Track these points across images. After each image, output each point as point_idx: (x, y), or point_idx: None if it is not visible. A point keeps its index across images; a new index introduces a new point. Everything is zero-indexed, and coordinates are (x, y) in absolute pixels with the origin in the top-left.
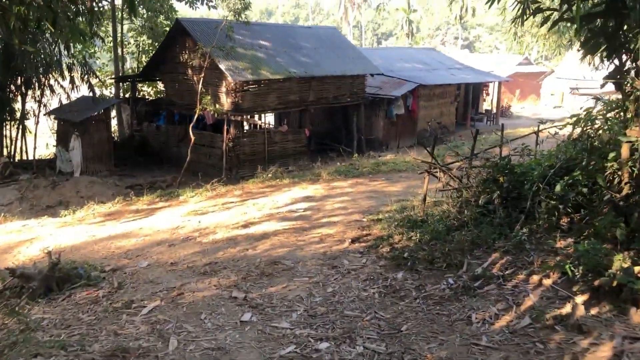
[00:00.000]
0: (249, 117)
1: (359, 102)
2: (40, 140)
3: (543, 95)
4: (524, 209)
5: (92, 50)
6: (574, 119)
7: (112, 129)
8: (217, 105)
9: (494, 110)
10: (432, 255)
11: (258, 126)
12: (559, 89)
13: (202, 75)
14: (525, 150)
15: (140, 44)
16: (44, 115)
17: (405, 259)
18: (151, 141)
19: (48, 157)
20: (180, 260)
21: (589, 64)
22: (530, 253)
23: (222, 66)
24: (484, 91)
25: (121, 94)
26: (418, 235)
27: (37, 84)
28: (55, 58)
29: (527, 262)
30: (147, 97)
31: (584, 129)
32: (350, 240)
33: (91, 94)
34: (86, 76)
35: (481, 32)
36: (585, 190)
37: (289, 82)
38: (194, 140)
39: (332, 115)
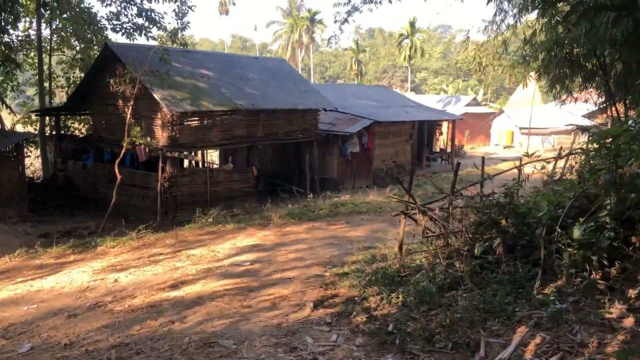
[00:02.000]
0: (188, 153)
1: (311, 138)
2: None
3: (493, 136)
4: (537, 260)
5: (15, 83)
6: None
7: (36, 168)
8: (150, 140)
9: (449, 150)
10: (429, 328)
11: (199, 164)
12: (508, 129)
13: (131, 103)
14: (516, 186)
15: (71, 77)
16: None
17: (391, 334)
18: (77, 182)
19: None
20: (79, 340)
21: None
22: (573, 327)
23: (156, 95)
24: (437, 131)
25: (48, 131)
26: (401, 296)
27: None
28: None
29: (574, 343)
30: (77, 133)
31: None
32: (312, 304)
33: None
34: None
35: (426, 75)
36: (612, 234)
37: (234, 115)
38: (120, 179)
39: (283, 153)
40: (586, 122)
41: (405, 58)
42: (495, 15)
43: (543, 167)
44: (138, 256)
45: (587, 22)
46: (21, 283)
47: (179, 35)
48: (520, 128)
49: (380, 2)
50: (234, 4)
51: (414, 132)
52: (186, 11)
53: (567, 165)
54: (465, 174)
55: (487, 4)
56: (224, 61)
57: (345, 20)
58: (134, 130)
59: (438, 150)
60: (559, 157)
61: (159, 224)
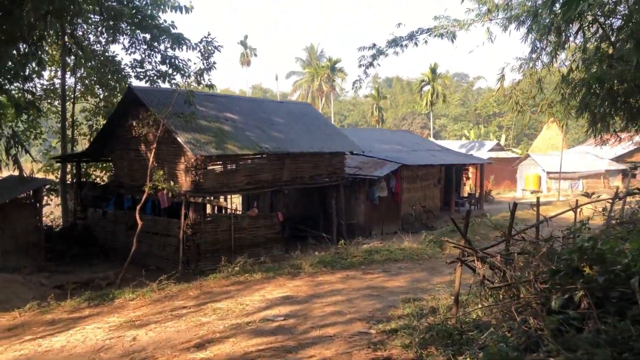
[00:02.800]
0: (212, 198)
1: (338, 182)
2: None
3: (519, 181)
4: (636, 317)
5: (38, 131)
6: None
7: (56, 216)
8: (173, 184)
9: (477, 194)
10: None
11: (223, 210)
12: (534, 174)
13: (154, 146)
14: (582, 228)
15: (94, 125)
16: None
17: None
18: (96, 230)
19: None
20: None
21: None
22: None
23: (180, 139)
24: (464, 175)
25: (69, 179)
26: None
27: None
28: None
29: None
30: (98, 181)
31: None
32: None
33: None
34: (13, 150)
35: (446, 121)
36: None
37: (259, 159)
38: (141, 226)
39: (308, 198)
40: (616, 166)
41: (426, 104)
42: (531, 52)
43: (604, 209)
44: (159, 310)
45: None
46: (29, 342)
47: (205, 77)
48: (548, 173)
49: (406, 46)
50: (255, 55)
51: (441, 176)
52: (212, 51)
53: (625, 207)
54: (501, 219)
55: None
56: (249, 105)
57: (371, 64)
58: (157, 174)
59: (466, 195)
60: (616, 197)
61: (181, 273)
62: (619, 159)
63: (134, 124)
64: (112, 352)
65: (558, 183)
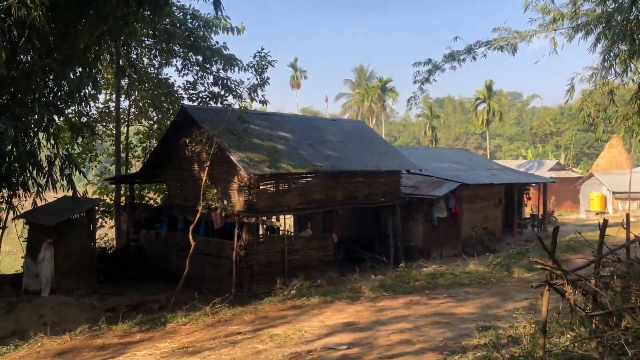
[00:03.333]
0: (265, 219)
1: (394, 202)
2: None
3: (582, 201)
4: None
5: (93, 154)
6: None
7: (110, 238)
8: (227, 202)
9: (539, 215)
10: None
11: (276, 231)
12: (598, 194)
13: (207, 164)
14: None
15: (148, 147)
16: (13, 219)
17: None
18: (149, 252)
19: (15, 272)
20: None
21: None
22: None
23: (233, 157)
24: (524, 195)
25: (122, 201)
26: None
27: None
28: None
29: None
30: (151, 203)
31: None
32: None
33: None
34: (67, 170)
35: (501, 141)
36: None
37: (313, 178)
38: (194, 246)
39: (362, 219)
40: None
41: (482, 122)
42: (602, 61)
43: None
44: (213, 335)
45: None
46: None
47: (258, 92)
48: (614, 193)
49: (463, 60)
50: (305, 77)
51: (502, 197)
52: (265, 67)
53: None
54: (569, 241)
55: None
56: (302, 124)
57: (427, 80)
58: (210, 193)
59: (528, 216)
60: None
61: (234, 296)
62: None
63: (187, 141)
64: None
65: (628, 203)
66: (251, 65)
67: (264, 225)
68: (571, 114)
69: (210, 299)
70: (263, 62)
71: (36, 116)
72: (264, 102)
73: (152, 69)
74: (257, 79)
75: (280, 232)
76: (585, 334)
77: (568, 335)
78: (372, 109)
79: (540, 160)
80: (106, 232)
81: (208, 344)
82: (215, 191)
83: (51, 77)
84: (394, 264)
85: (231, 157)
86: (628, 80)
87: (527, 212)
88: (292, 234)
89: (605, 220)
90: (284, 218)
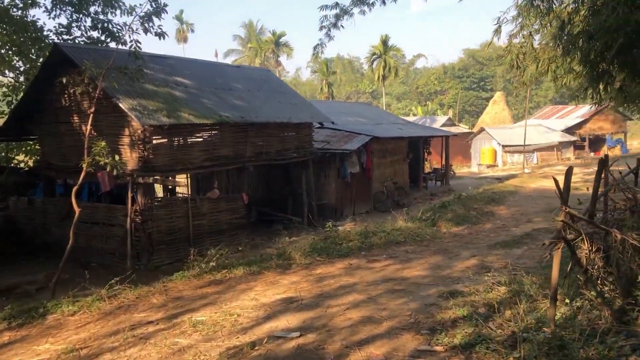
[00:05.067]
0: (165, 178)
1: (307, 158)
2: None
3: (474, 155)
4: None
5: None
6: None
7: None
8: (118, 159)
9: (442, 169)
10: None
11: (176, 192)
12: (489, 148)
13: (92, 110)
14: None
15: (13, 102)
16: None
17: None
18: (22, 223)
19: None
20: None
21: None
22: None
23: (123, 105)
24: (425, 150)
25: None
26: None
27: None
28: None
29: None
30: (23, 166)
31: None
32: None
33: None
34: None
35: (389, 100)
36: None
37: (219, 130)
38: (79, 214)
39: (273, 177)
40: (568, 138)
41: (379, 78)
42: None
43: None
44: (114, 329)
45: None
46: None
47: (154, 23)
48: (504, 146)
49: (372, 4)
50: (192, 31)
51: (409, 151)
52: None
53: None
54: (488, 192)
55: None
56: (203, 69)
57: (334, 25)
58: (97, 146)
59: (431, 170)
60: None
61: (131, 270)
62: (569, 130)
63: (64, 80)
64: None
65: (521, 156)
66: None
67: (163, 186)
68: (454, 73)
69: (103, 277)
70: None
71: None
72: (160, 35)
73: (15, 9)
74: (151, 5)
75: (182, 194)
76: (598, 300)
77: (577, 304)
78: (265, 65)
79: (432, 116)
80: None
81: (108, 342)
82: (103, 143)
83: None
84: (308, 224)
85: (120, 105)
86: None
87: (427, 166)
88: (196, 195)
89: (571, 167)
90: (187, 177)
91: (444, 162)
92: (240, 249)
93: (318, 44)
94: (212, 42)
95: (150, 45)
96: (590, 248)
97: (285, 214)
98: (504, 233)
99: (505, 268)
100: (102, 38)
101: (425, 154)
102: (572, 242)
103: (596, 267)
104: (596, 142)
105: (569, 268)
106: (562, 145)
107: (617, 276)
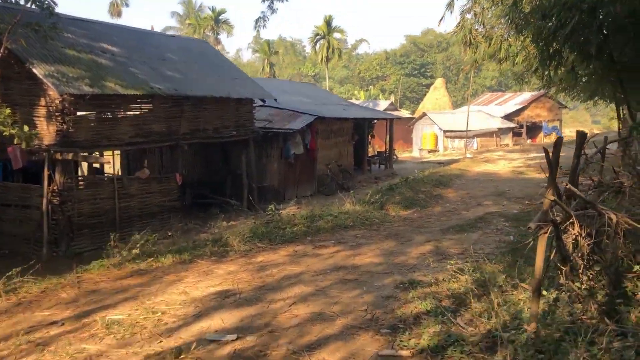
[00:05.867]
0: (88, 155)
1: (247, 136)
2: None
3: (416, 140)
4: None
5: None
6: None
7: None
8: (29, 129)
9: (386, 153)
10: None
11: (102, 172)
12: (431, 133)
13: None
14: None
15: None
16: None
17: None
18: None
19: None
20: None
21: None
22: None
23: (38, 71)
24: (369, 133)
25: None
26: None
27: None
28: None
29: None
30: None
31: None
32: None
33: None
34: None
35: (332, 84)
36: None
37: (151, 104)
38: None
39: (211, 156)
40: (507, 124)
41: (322, 59)
42: None
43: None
44: (6, 332)
45: None
46: None
47: None
48: (445, 131)
49: None
50: (126, 5)
51: (354, 132)
52: None
53: None
54: (435, 175)
55: None
56: (134, 37)
57: None
58: (2, 114)
59: (375, 153)
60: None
61: (47, 259)
62: (507, 117)
63: None
64: None
65: (462, 141)
66: None
67: (89, 165)
68: (396, 59)
69: (13, 266)
70: None
71: None
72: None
73: None
74: None
75: (111, 174)
76: (583, 293)
77: (552, 295)
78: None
79: (375, 100)
80: None
81: None
82: (8, 111)
83: None
84: (248, 207)
85: (34, 71)
86: None
87: (370, 150)
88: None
89: (560, 138)
90: (113, 155)
91: (387, 146)
92: (170, 234)
93: (260, 17)
94: (148, 18)
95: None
96: (579, 232)
97: (223, 197)
98: (455, 217)
99: (462, 254)
100: None
101: (369, 137)
102: (560, 225)
103: (580, 254)
104: (533, 129)
105: (551, 256)
106: (501, 132)
107: (605, 265)
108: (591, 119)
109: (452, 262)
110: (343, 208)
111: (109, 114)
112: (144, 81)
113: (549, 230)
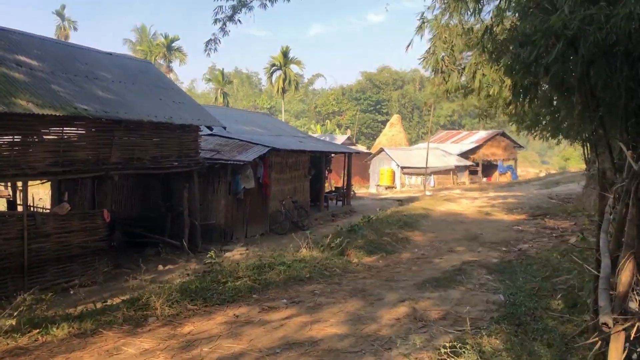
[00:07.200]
0: None
1: (191, 168)
2: None
3: (373, 176)
4: None
5: None
6: None
7: None
8: None
9: (344, 189)
10: None
11: (14, 206)
12: (388, 169)
13: None
14: None
15: None
16: None
17: None
18: None
19: None
20: None
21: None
22: None
23: None
24: (326, 168)
25: None
26: None
27: None
28: None
29: None
30: None
31: None
32: None
33: None
34: None
35: (287, 117)
36: None
37: (75, 127)
38: None
39: (148, 190)
40: (463, 162)
41: (278, 90)
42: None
43: None
44: None
45: None
46: None
47: None
48: (402, 168)
49: None
50: (75, 29)
51: (310, 167)
52: None
53: None
54: (398, 214)
55: None
56: (60, 51)
57: (230, 18)
58: None
59: (333, 189)
60: None
61: None
62: (464, 155)
63: None
64: None
65: (419, 178)
66: None
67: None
68: (352, 95)
69: None
70: None
71: None
72: None
73: None
74: None
75: (39, 207)
76: None
77: None
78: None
79: (332, 134)
80: None
81: None
82: None
83: None
84: (190, 249)
85: None
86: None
87: (327, 185)
88: (43, 210)
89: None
90: (25, 186)
91: (345, 182)
92: (72, 292)
93: (211, 39)
94: (99, 44)
95: None
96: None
97: (162, 236)
98: (427, 266)
99: (445, 319)
100: None
101: (327, 172)
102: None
103: None
104: (489, 167)
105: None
106: (458, 169)
107: None
108: (539, 159)
109: (436, 333)
110: (298, 254)
111: (18, 137)
112: (67, 101)
113: (636, 328)
